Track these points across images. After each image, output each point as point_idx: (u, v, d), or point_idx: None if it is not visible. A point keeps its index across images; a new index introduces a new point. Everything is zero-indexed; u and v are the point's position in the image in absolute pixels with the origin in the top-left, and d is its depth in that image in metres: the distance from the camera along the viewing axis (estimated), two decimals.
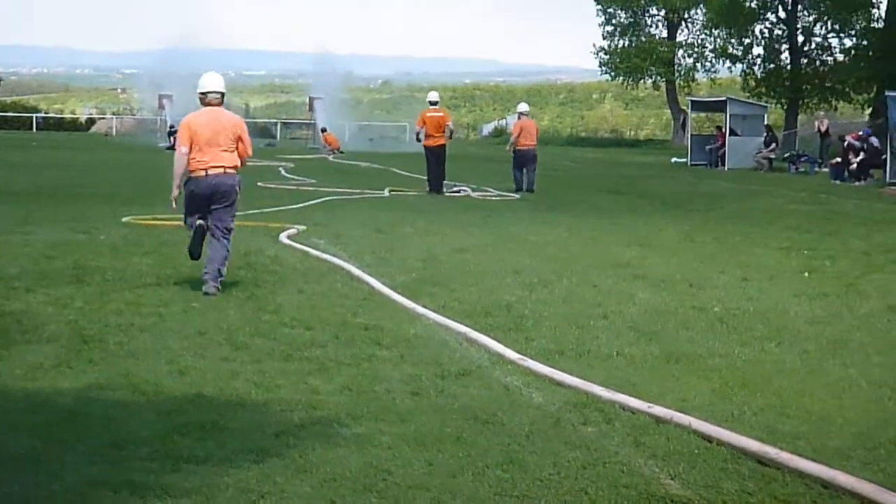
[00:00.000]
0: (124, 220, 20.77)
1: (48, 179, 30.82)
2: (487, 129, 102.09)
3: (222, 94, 13.81)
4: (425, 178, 31.36)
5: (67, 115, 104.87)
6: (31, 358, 9.70)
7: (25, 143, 59.72)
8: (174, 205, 13.81)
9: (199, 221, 13.67)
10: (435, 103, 31.72)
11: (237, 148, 13.66)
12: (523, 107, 34.15)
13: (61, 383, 8.98)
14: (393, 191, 30.53)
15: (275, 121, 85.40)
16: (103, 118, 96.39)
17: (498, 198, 29.28)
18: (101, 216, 21.31)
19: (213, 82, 13.78)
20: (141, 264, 15.27)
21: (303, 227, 20.20)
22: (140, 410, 8.27)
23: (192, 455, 7.17)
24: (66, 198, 25.06)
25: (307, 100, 74.12)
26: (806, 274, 16.01)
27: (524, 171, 32.26)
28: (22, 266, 14.84)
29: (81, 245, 17.11)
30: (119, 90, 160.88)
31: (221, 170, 13.50)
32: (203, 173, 13.49)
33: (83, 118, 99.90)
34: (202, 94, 13.72)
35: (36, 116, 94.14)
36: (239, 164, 13.71)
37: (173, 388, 8.88)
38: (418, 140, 31.48)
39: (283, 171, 38.65)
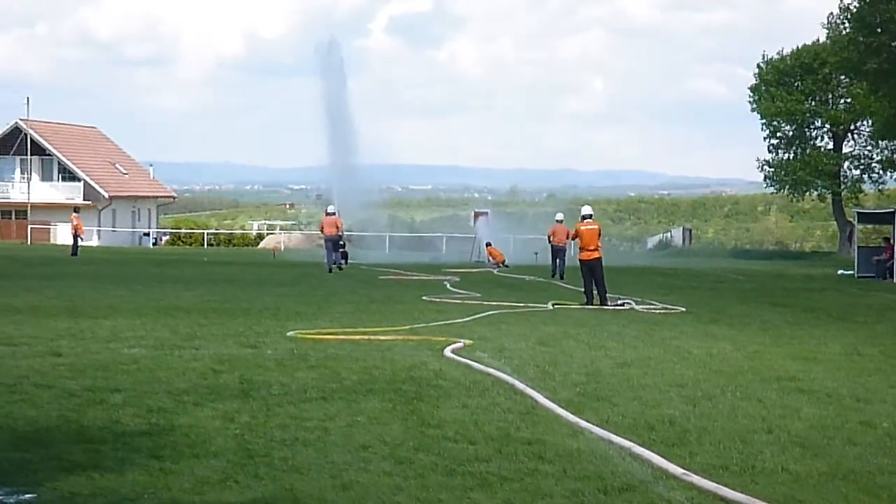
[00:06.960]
0: (290, 334, 21.04)
1: (217, 294, 31.36)
2: (651, 241, 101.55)
3: (336, 212, 48.05)
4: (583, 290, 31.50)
5: (237, 231, 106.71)
6: (199, 472, 9.87)
7: (196, 258, 60.95)
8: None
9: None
10: (588, 216, 32.00)
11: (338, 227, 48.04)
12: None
13: (228, 497, 9.11)
14: (556, 304, 30.50)
15: (440, 234, 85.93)
16: (272, 234, 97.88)
17: (662, 311, 29.07)
18: (268, 331, 21.61)
19: (332, 208, 48.95)
20: (306, 378, 15.44)
21: (467, 341, 20.24)
22: None
23: None
24: (234, 312, 25.44)
25: (471, 214, 74.51)
26: None
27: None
28: (190, 380, 15.12)
29: (248, 359, 17.37)
30: (287, 205, 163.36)
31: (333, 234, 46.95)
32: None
33: (252, 234, 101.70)
34: (326, 212, 48.68)
35: (206, 233, 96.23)
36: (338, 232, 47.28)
37: (337, 503, 8.95)
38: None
39: (447, 285, 38.86)
